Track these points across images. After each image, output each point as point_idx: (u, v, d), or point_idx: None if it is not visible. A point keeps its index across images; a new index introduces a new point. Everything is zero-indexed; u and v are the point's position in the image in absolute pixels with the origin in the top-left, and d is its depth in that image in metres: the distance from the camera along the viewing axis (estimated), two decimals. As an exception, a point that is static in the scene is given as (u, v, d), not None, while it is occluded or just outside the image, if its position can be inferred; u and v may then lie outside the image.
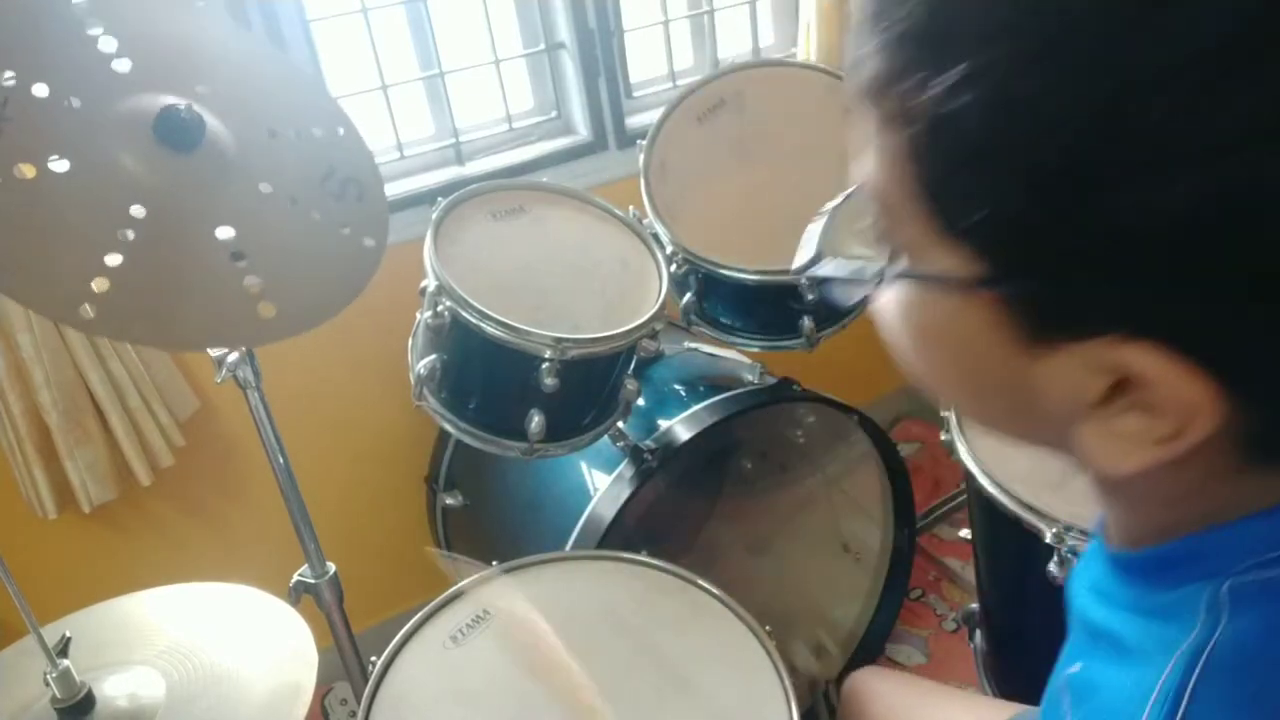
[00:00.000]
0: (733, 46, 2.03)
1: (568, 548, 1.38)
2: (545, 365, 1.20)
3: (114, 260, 0.85)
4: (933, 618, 1.94)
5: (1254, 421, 0.37)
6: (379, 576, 1.76)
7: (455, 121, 1.78)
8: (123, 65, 0.95)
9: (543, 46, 1.84)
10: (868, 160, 0.41)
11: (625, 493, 1.37)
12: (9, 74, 0.88)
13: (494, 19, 1.77)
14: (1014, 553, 1.14)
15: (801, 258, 0.49)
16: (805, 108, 1.53)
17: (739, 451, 1.85)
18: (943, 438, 1.16)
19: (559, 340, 1.20)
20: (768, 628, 1.09)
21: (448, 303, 1.20)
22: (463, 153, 1.80)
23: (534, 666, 1.07)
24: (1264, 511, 0.41)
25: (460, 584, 1.17)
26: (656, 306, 1.31)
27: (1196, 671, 0.39)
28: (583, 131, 1.88)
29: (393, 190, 1.69)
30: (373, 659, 1.09)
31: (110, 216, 0.88)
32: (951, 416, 1.16)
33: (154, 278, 0.89)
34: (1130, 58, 0.32)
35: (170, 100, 0.93)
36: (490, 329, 1.19)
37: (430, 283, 1.22)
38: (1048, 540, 1.00)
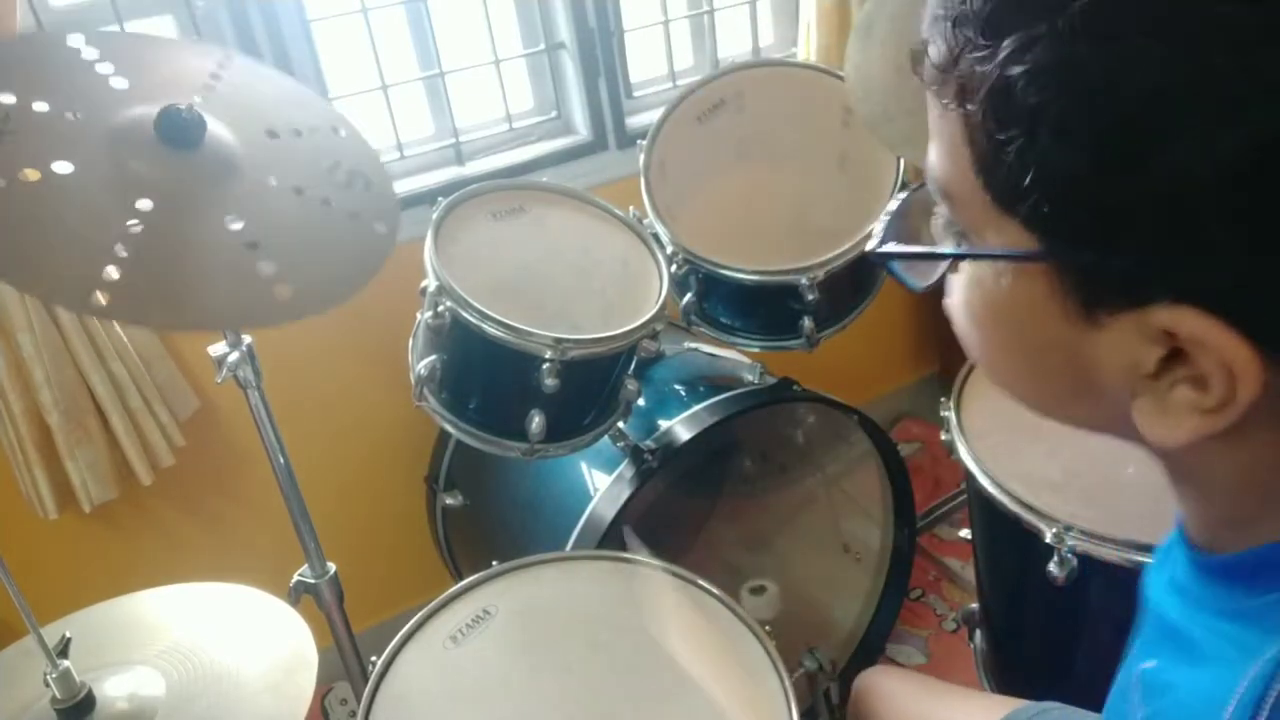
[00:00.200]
0: (733, 46, 2.03)
1: (568, 548, 1.38)
2: (545, 365, 1.20)
3: (123, 250, 0.86)
4: (933, 618, 1.94)
5: None
6: (379, 576, 1.77)
7: (455, 121, 1.78)
8: (120, 83, 0.96)
9: (543, 46, 1.84)
10: (931, 153, 0.44)
11: (625, 493, 1.37)
12: (9, 96, 0.88)
13: (494, 19, 1.77)
14: (1014, 553, 1.14)
15: (871, 243, 0.50)
16: (805, 108, 1.53)
17: (739, 451, 1.85)
18: (943, 438, 1.16)
19: (559, 340, 1.20)
20: (768, 628, 1.09)
21: (448, 303, 1.20)
22: (463, 153, 1.80)
23: (534, 666, 1.07)
24: None
25: (461, 583, 1.18)
26: (656, 306, 1.31)
27: (1275, 693, 0.39)
28: (583, 131, 1.88)
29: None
30: (373, 659, 1.09)
31: (117, 209, 0.88)
32: (951, 416, 1.16)
33: (165, 264, 0.89)
34: (1187, 8, 0.33)
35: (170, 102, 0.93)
36: (490, 329, 1.19)
37: (430, 283, 1.22)
38: (1048, 540, 1.00)
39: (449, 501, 1.68)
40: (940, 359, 2.50)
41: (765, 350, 1.55)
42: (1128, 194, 0.36)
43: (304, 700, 0.95)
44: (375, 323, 1.53)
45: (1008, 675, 1.29)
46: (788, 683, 1.02)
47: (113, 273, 0.84)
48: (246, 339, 1.11)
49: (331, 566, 1.26)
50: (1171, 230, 0.36)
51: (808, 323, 1.46)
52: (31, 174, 0.85)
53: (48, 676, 0.91)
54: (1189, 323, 0.37)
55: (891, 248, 0.50)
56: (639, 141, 1.48)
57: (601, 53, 1.82)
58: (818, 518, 1.83)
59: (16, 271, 0.84)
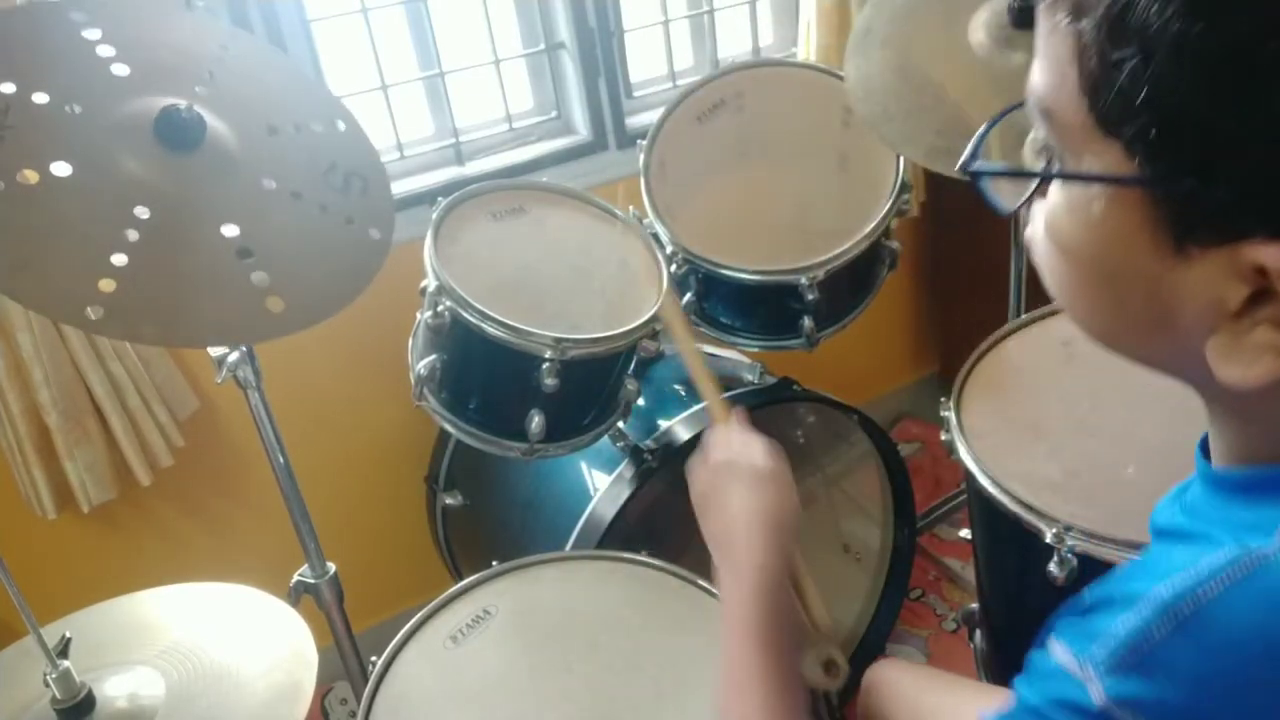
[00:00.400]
0: (733, 46, 2.03)
1: (568, 548, 1.38)
2: (545, 365, 1.20)
3: (120, 260, 0.86)
4: (933, 618, 1.94)
5: None
6: (379, 576, 1.76)
7: (455, 121, 1.78)
8: (121, 70, 0.95)
9: (543, 46, 1.84)
10: (1035, 71, 0.44)
11: (625, 493, 1.37)
12: (9, 85, 0.88)
13: (494, 19, 1.77)
14: (1014, 553, 1.13)
15: (963, 158, 0.49)
16: (805, 108, 1.53)
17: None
18: (943, 438, 1.16)
19: (559, 340, 1.20)
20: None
21: (448, 303, 1.20)
22: (463, 153, 1.80)
23: (534, 666, 1.07)
24: None
25: (461, 583, 1.18)
26: (656, 306, 1.31)
27: (1242, 567, 0.40)
28: (583, 131, 1.88)
29: (393, 190, 1.69)
30: (373, 659, 1.09)
31: (114, 218, 0.88)
32: (951, 416, 1.16)
33: (160, 277, 0.89)
34: None
35: (170, 100, 0.93)
36: (490, 329, 1.19)
37: (430, 283, 1.22)
38: (1048, 540, 1.00)
39: (449, 501, 1.68)
40: (940, 359, 2.50)
41: (765, 350, 1.55)
42: (1241, 123, 0.36)
43: (304, 700, 0.95)
44: (375, 322, 1.53)
45: (1008, 675, 1.28)
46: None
47: (109, 285, 0.84)
48: (246, 339, 1.11)
49: (331, 566, 1.26)
50: (1269, 160, 0.36)
51: (808, 323, 1.46)
52: (30, 175, 0.85)
53: (48, 676, 0.91)
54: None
55: (987, 165, 0.49)
56: (639, 141, 1.48)
57: (601, 53, 1.82)
58: (818, 518, 1.83)
59: (13, 283, 0.84)
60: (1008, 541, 1.13)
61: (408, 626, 1.12)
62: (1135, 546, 0.96)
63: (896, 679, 1.07)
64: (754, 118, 1.53)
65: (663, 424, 1.46)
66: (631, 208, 1.46)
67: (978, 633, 1.32)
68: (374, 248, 1.04)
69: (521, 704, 1.05)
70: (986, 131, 0.50)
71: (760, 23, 2.03)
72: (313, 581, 1.24)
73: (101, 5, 0.99)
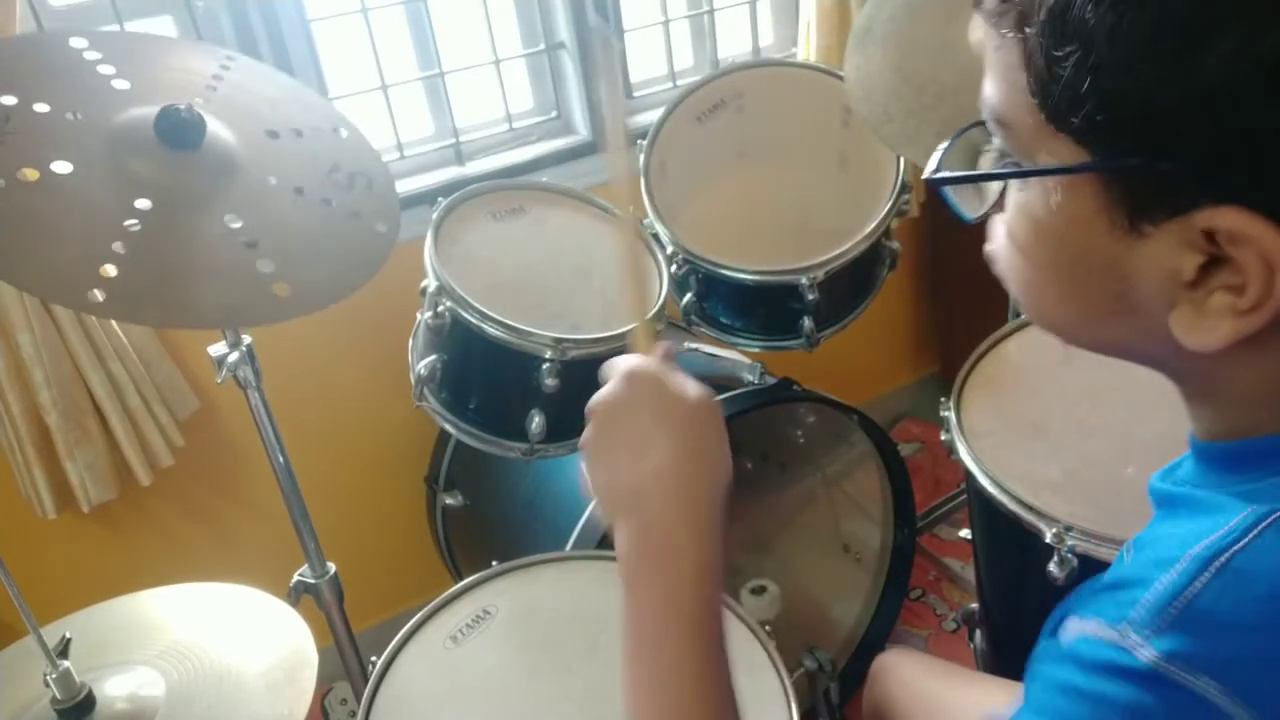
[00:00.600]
0: (733, 46, 2.03)
1: (568, 548, 1.38)
2: (545, 365, 1.20)
3: (121, 248, 0.86)
4: (933, 618, 1.94)
5: None
6: (379, 576, 1.77)
7: (455, 121, 1.78)
8: (121, 84, 0.96)
9: (543, 46, 1.84)
10: (986, 85, 0.47)
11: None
12: (10, 97, 0.88)
13: (494, 19, 1.77)
14: (1014, 553, 1.14)
15: (927, 170, 0.53)
16: (805, 108, 1.53)
17: (739, 451, 1.84)
18: (943, 438, 1.16)
19: (559, 340, 1.20)
20: (768, 628, 1.09)
21: (448, 303, 1.20)
22: (463, 153, 1.80)
23: (534, 666, 1.07)
24: None
25: (461, 583, 1.18)
26: (656, 306, 1.31)
27: (1266, 524, 0.42)
28: (583, 131, 1.88)
29: (393, 190, 1.69)
30: (373, 659, 1.09)
31: (115, 209, 0.88)
32: (951, 416, 1.16)
33: (163, 263, 0.89)
34: None
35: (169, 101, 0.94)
36: (491, 329, 1.19)
37: (430, 283, 1.22)
38: (1048, 540, 1.00)
39: (449, 501, 1.68)
40: (940, 359, 2.50)
41: (765, 350, 1.55)
42: (1177, 94, 0.39)
43: (304, 700, 0.95)
44: (375, 323, 1.53)
45: (1008, 675, 1.29)
46: (788, 683, 1.02)
47: (110, 270, 0.84)
48: (246, 339, 1.11)
49: (331, 566, 1.26)
50: (1216, 129, 0.39)
51: (808, 323, 1.46)
52: (30, 173, 0.86)
53: (48, 677, 0.91)
54: (1230, 219, 0.40)
55: (947, 173, 0.52)
56: (639, 141, 1.48)
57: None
58: (818, 518, 1.83)
59: (14, 269, 0.84)
60: (1008, 541, 1.13)
61: (408, 626, 1.12)
62: (1135, 546, 0.96)
63: (904, 668, 1.07)
64: (754, 118, 1.53)
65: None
66: (631, 207, 1.46)
67: (978, 633, 1.32)
68: (380, 240, 1.04)
69: (521, 704, 1.05)
70: (951, 145, 0.53)
71: (760, 23, 2.03)
72: (313, 581, 1.25)
73: (102, 35, 1.00)
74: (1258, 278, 0.41)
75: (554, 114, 1.91)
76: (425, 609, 1.14)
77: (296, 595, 1.24)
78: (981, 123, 0.49)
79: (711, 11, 1.96)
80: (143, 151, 0.92)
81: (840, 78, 1.42)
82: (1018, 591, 1.21)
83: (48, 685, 0.91)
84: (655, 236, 1.43)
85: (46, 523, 1.51)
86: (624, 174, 0.82)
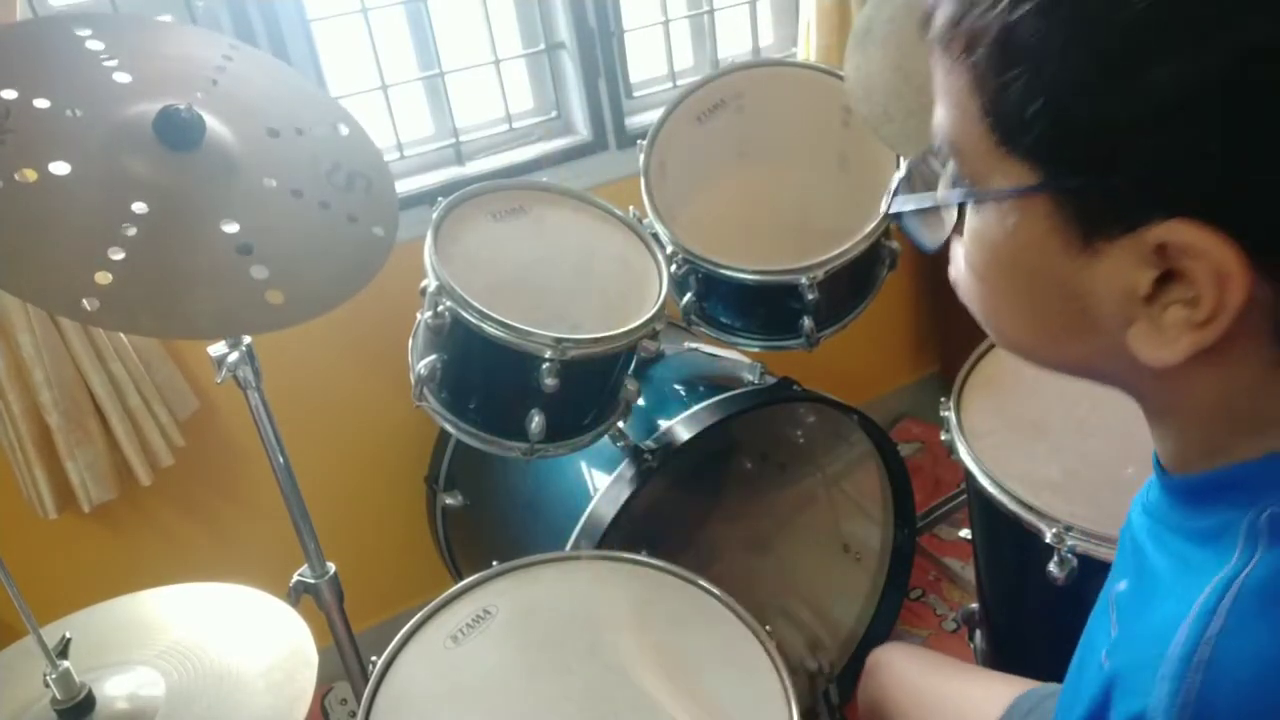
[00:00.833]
0: (733, 46, 2.03)
1: (568, 548, 1.38)
2: (545, 365, 1.20)
3: (117, 254, 0.86)
4: (933, 618, 1.94)
5: None
6: (379, 576, 1.77)
7: (455, 121, 1.78)
8: (123, 77, 0.96)
9: (543, 46, 1.84)
10: (938, 113, 0.47)
11: (625, 493, 1.37)
12: (10, 91, 0.88)
13: (494, 19, 1.77)
14: (1014, 553, 1.14)
15: (884, 203, 0.54)
16: (805, 108, 1.53)
17: (739, 451, 1.85)
18: (943, 438, 1.16)
19: (559, 340, 1.20)
20: (768, 628, 1.09)
21: (448, 303, 1.20)
22: (463, 153, 1.80)
23: (534, 666, 1.07)
24: None
25: (461, 583, 1.18)
26: (656, 306, 1.31)
27: (1229, 597, 0.42)
28: (583, 131, 1.88)
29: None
30: (373, 659, 1.09)
31: (112, 213, 0.88)
32: (951, 416, 1.16)
33: (159, 270, 0.89)
34: None
35: (169, 101, 0.93)
36: (490, 329, 1.19)
37: (430, 283, 1.22)
38: (1048, 540, 1.00)
39: (449, 501, 1.68)
40: (940, 359, 2.50)
41: (765, 350, 1.55)
42: (1124, 111, 0.39)
43: (304, 700, 0.95)
44: (375, 322, 1.53)
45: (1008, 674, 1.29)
46: (788, 683, 1.02)
47: (104, 278, 0.84)
48: (246, 339, 1.11)
49: (331, 566, 1.26)
50: (1164, 143, 0.39)
51: (808, 323, 1.46)
52: (29, 174, 0.85)
53: (48, 677, 0.91)
54: (1181, 232, 0.40)
55: (903, 204, 0.54)
56: (639, 141, 1.48)
57: (601, 53, 1.82)
58: (818, 518, 1.83)
59: (8, 275, 0.84)
60: (1008, 541, 1.13)
61: (408, 626, 1.12)
62: (1135, 546, 0.96)
63: (899, 662, 1.07)
64: (754, 118, 1.53)
65: (663, 424, 1.46)
66: (631, 208, 1.46)
67: (978, 633, 1.32)
68: (377, 244, 1.04)
69: (521, 704, 1.05)
70: (904, 176, 0.55)
71: (760, 23, 2.03)
72: (313, 581, 1.25)
73: (105, 19, 1.00)
74: (1211, 289, 0.41)
75: (554, 114, 1.91)
76: (425, 609, 1.14)
77: (296, 595, 1.24)
78: (933, 151, 0.50)
79: (711, 11, 1.96)
80: (141, 151, 0.92)
81: (840, 78, 1.42)
82: (1018, 591, 1.21)
83: (48, 685, 0.91)
84: (655, 236, 1.43)
85: (47, 523, 1.51)
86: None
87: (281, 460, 1.18)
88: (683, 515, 1.81)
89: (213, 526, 1.74)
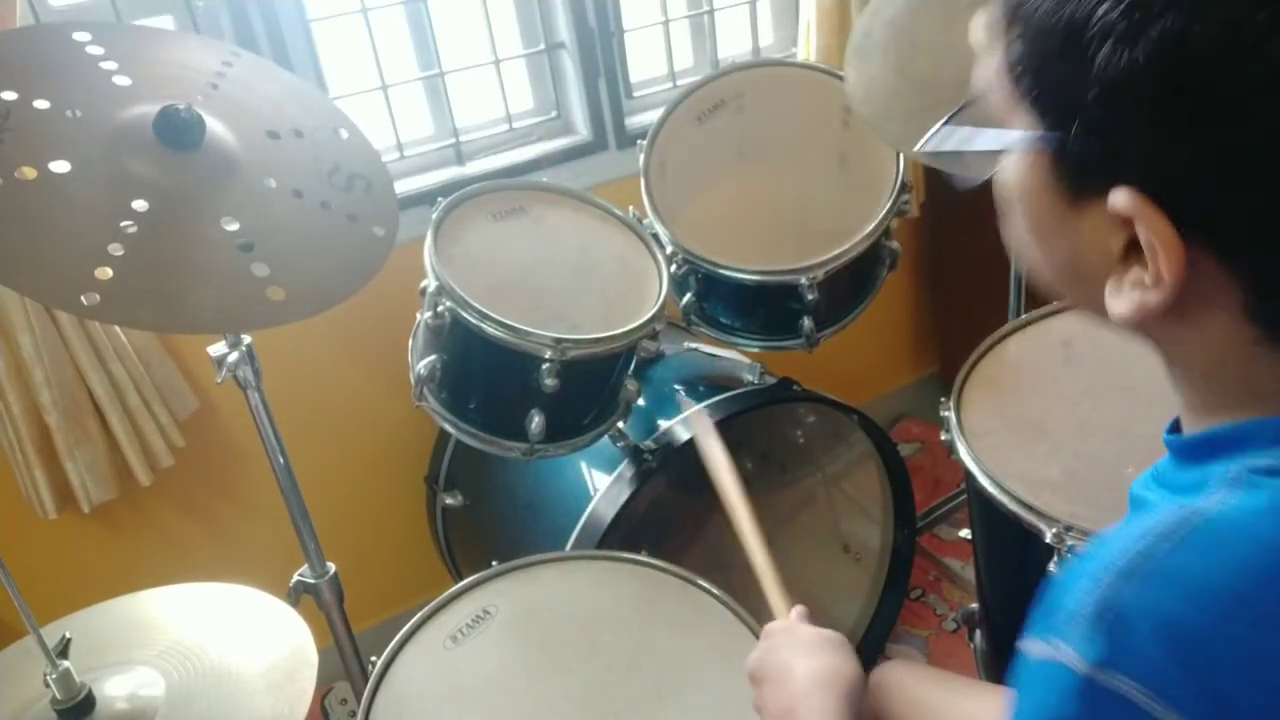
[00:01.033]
0: (733, 46, 2.03)
1: (568, 548, 1.38)
2: (545, 366, 1.20)
3: (117, 250, 0.86)
4: (933, 618, 1.94)
5: (1247, 284, 0.45)
6: (379, 576, 1.77)
7: (455, 121, 1.78)
8: (123, 80, 0.96)
9: (543, 46, 1.84)
10: (983, 70, 0.52)
11: (625, 493, 1.37)
12: (10, 93, 0.88)
13: (494, 19, 1.77)
14: (1014, 553, 1.14)
15: (919, 144, 0.59)
16: (805, 108, 1.53)
17: (739, 451, 1.85)
18: (943, 438, 1.16)
19: (559, 340, 1.20)
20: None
21: (448, 303, 1.20)
22: (463, 153, 1.80)
23: (534, 666, 1.07)
24: None
25: (461, 583, 1.18)
26: (656, 306, 1.31)
27: (1184, 526, 0.45)
28: (583, 131, 1.88)
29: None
30: (373, 659, 1.09)
31: (112, 210, 0.88)
32: (951, 416, 1.16)
33: (159, 266, 0.89)
34: None
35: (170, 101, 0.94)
36: (490, 329, 1.19)
37: (430, 283, 1.22)
38: (1048, 540, 1.00)
39: (449, 501, 1.68)
40: (940, 359, 2.50)
41: (765, 350, 1.55)
42: (1082, 79, 0.44)
43: (304, 700, 0.95)
44: (375, 323, 1.53)
45: (1008, 676, 1.29)
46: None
47: (105, 273, 0.84)
48: (246, 339, 1.11)
49: (331, 566, 1.26)
50: (1110, 114, 0.44)
51: (808, 323, 1.46)
52: (29, 172, 0.85)
53: (48, 677, 0.91)
54: (1124, 201, 0.45)
55: (932, 145, 0.58)
56: (639, 141, 1.48)
57: (601, 53, 1.82)
58: (818, 518, 1.83)
59: (9, 271, 0.84)
60: (1008, 541, 1.13)
61: (408, 626, 1.12)
62: (1135, 546, 0.96)
63: (902, 680, 1.07)
64: (754, 118, 1.53)
65: (663, 424, 1.46)
66: (631, 208, 1.46)
67: (978, 633, 1.32)
68: (378, 244, 1.04)
69: (521, 704, 1.05)
70: (948, 120, 0.58)
71: (760, 23, 2.03)
72: (313, 581, 1.25)
73: (105, 26, 1.00)
74: (1153, 258, 0.45)
75: (554, 114, 1.91)
76: (425, 609, 1.14)
77: (296, 595, 1.24)
78: (972, 103, 0.54)
79: (711, 11, 1.96)
80: (141, 151, 0.92)
81: (840, 78, 1.42)
82: (1018, 591, 1.21)
83: (48, 685, 0.91)
84: (655, 237, 1.43)
85: (46, 523, 1.51)
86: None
87: (281, 460, 1.18)
88: (683, 515, 1.81)
89: (213, 526, 1.74)
